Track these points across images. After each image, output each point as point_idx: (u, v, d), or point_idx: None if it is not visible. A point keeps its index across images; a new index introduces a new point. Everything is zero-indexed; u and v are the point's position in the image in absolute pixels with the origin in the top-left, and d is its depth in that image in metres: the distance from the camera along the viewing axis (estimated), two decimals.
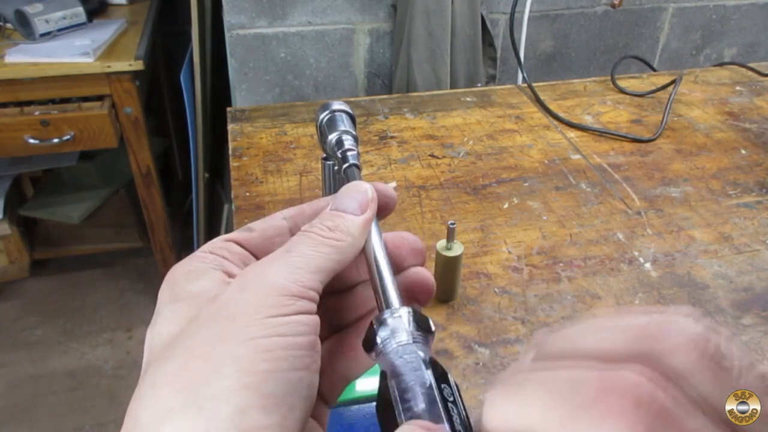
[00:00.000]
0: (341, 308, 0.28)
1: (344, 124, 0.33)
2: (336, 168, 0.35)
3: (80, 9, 1.41)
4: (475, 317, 0.63)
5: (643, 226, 0.77)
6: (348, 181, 0.31)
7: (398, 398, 0.21)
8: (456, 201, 0.80)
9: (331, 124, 0.33)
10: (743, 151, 0.94)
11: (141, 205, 1.58)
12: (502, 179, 0.85)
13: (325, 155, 0.36)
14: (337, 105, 0.34)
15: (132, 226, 1.90)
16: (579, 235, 0.75)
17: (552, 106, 1.04)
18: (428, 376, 0.22)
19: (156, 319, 0.23)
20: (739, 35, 1.53)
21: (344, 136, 0.33)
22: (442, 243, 0.61)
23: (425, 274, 0.28)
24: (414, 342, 0.23)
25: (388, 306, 0.25)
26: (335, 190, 0.38)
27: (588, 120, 1.01)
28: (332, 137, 0.33)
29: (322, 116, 0.34)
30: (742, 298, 0.66)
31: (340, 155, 0.32)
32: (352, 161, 0.32)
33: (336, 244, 0.25)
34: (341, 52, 1.26)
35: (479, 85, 1.30)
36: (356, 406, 0.54)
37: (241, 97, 1.26)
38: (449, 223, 0.59)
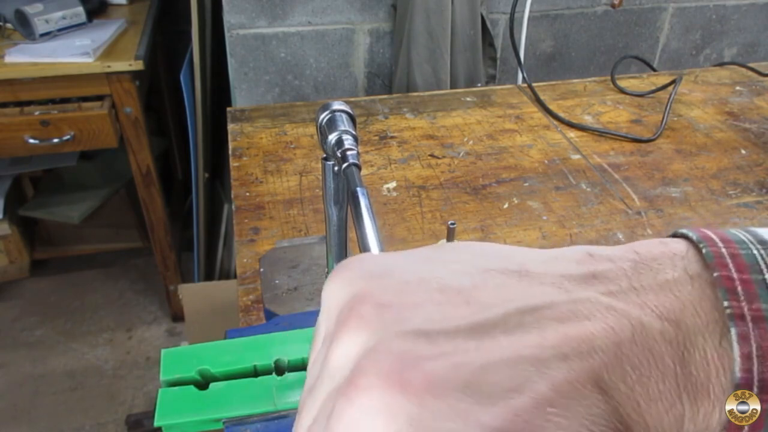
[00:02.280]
0: None
1: (344, 124, 0.33)
2: (336, 168, 0.35)
3: (80, 9, 1.41)
4: None
5: (643, 226, 0.77)
6: (348, 181, 0.31)
7: None
8: (456, 201, 0.80)
9: (331, 124, 0.34)
10: (743, 151, 0.94)
11: (141, 205, 1.58)
12: (502, 179, 0.85)
13: (325, 155, 0.36)
14: (337, 105, 0.34)
15: (132, 226, 1.90)
16: (579, 235, 0.75)
17: (552, 106, 1.04)
18: None
19: None
20: (739, 35, 1.53)
21: (344, 136, 0.33)
22: (442, 243, 0.61)
23: None
24: None
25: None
26: (335, 191, 0.38)
27: (588, 120, 1.01)
28: (332, 137, 0.33)
29: (322, 116, 0.34)
30: None
31: (339, 155, 0.33)
32: (351, 160, 0.32)
33: None
34: (341, 52, 1.26)
35: (479, 85, 1.30)
36: None
37: (241, 97, 1.26)
38: (449, 223, 0.60)
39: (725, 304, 0.20)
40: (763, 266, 0.20)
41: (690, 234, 0.22)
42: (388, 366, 0.17)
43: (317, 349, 0.21)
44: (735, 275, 0.20)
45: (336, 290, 0.21)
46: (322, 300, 0.22)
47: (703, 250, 0.21)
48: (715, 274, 0.20)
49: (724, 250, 0.21)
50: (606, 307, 0.20)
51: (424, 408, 0.16)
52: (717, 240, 0.21)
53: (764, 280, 0.20)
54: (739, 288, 0.20)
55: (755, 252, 0.21)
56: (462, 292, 0.20)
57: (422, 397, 0.16)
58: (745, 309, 0.19)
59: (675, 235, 0.23)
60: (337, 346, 0.19)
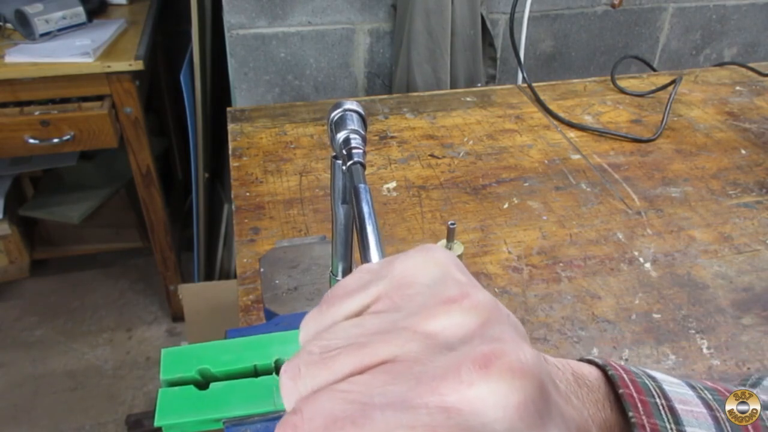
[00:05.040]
0: None
1: (353, 123, 0.34)
2: (345, 167, 0.35)
3: (80, 9, 1.41)
4: None
5: (643, 226, 0.77)
6: (351, 178, 0.32)
7: None
8: (456, 201, 0.80)
9: (341, 122, 0.34)
10: (743, 151, 0.94)
11: (141, 205, 1.58)
12: (502, 179, 0.85)
13: (335, 153, 0.36)
14: (348, 104, 0.34)
15: (132, 226, 1.90)
16: (579, 235, 0.75)
17: (552, 106, 1.04)
18: None
19: None
20: (739, 35, 1.53)
21: (352, 135, 0.33)
22: (442, 243, 0.61)
23: None
24: None
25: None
26: (343, 189, 0.38)
27: (588, 120, 1.01)
28: (340, 135, 0.34)
29: (333, 114, 0.34)
30: (742, 298, 0.66)
31: (345, 153, 0.33)
32: (356, 159, 0.32)
33: None
34: (341, 52, 1.26)
35: (479, 85, 1.30)
36: None
37: (241, 97, 1.26)
38: (449, 223, 0.60)
39: (630, 414, 0.25)
40: (654, 393, 0.26)
41: (597, 361, 0.28)
42: (531, 361, 0.19)
43: (365, 301, 0.22)
44: (635, 395, 0.25)
45: (427, 265, 0.22)
46: (395, 266, 0.23)
47: (609, 373, 0.27)
48: (620, 391, 0.25)
49: (625, 375, 0.26)
50: (575, 406, 0.24)
51: (547, 409, 0.19)
52: (618, 367, 0.27)
53: (655, 403, 0.25)
54: (639, 405, 0.25)
55: (647, 382, 0.27)
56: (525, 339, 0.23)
57: (548, 400, 0.19)
58: (645, 421, 0.24)
59: (581, 360, 0.29)
60: (444, 315, 0.20)
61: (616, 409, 0.26)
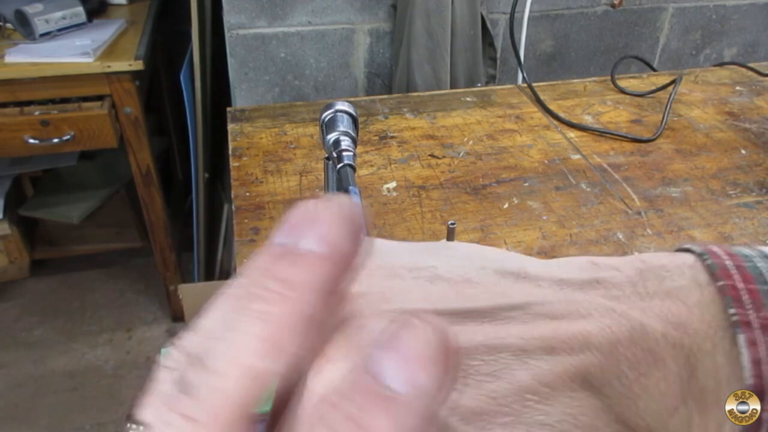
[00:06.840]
0: None
1: (344, 124, 0.34)
2: (335, 170, 0.35)
3: (80, 9, 1.41)
4: None
5: (643, 226, 0.77)
6: (341, 181, 0.32)
7: None
8: (456, 201, 0.80)
9: (332, 123, 0.34)
10: (743, 151, 0.94)
11: (141, 205, 1.58)
12: (502, 179, 0.85)
13: (327, 155, 0.36)
14: (340, 105, 0.34)
15: (132, 226, 1.90)
16: (579, 235, 0.75)
17: (552, 106, 1.04)
18: None
19: None
20: (739, 35, 1.53)
21: (342, 137, 0.33)
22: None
23: None
24: None
25: None
26: (337, 190, 0.38)
27: (588, 120, 1.01)
28: (330, 137, 0.34)
29: (324, 115, 0.34)
30: None
31: (335, 155, 0.33)
32: (346, 161, 0.32)
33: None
34: (341, 52, 1.26)
35: (479, 85, 1.30)
36: None
37: (241, 97, 1.26)
38: (449, 223, 0.59)
39: (731, 311, 0.20)
40: None
41: (694, 248, 0.22)
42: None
43: None
44: (740, 285, 0.20)
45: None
46: None
47: (707, 262, 0.21)
48: (719, 283, 0.20)
49: (728, 262, 0.21)
50: (605, 308, 0.20)
51: None
52: (721, 253, 0.21)
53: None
54: (745, 297, 0.20)
55: (760, 265, 0.21)
56: (453, 284, 0.19)
57: None
58: (752, 317, 0.19)
59: (679, 250, 0.23)
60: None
61: (708, 294, 0.21)
